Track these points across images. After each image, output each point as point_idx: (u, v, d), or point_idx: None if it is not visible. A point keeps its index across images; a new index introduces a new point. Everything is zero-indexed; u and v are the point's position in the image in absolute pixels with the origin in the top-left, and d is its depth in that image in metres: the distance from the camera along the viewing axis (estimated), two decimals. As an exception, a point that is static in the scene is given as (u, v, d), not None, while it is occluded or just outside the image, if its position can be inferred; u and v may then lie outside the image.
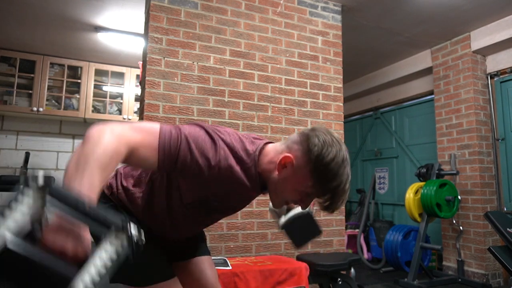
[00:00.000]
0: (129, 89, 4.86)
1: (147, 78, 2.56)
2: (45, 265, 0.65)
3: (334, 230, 3.00)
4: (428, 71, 4.37)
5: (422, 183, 3.75)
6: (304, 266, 2.25)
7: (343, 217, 3.08)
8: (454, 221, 3.81)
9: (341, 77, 3.24)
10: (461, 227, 3.76)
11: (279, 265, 2.20)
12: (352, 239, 4.73)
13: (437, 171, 3.76)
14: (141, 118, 2.63)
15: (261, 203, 2.74)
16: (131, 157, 0.90)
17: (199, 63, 2.73)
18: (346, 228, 4.72)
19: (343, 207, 3.09)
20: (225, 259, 2.22)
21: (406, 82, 4.87)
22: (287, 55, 3.04)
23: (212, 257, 1.48)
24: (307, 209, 1.34)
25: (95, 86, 4.73)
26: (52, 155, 4.77)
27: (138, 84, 4.75)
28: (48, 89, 4.52)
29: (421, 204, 3.62)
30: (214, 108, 2.74)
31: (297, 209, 1.38)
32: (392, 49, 4.31)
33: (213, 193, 1.08)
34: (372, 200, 4.82)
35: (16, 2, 3.30)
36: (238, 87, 2.84)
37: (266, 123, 2.90)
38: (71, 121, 4.86)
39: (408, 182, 4.57)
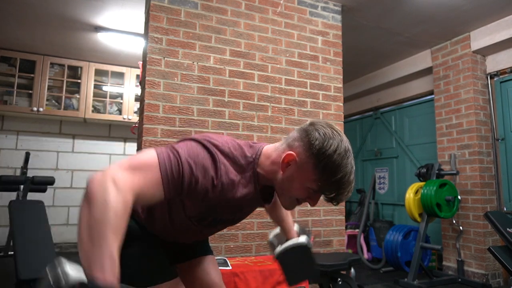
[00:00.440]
0: (129, 89, 4.86)
1: (147, 78, 2.56)
2: None
3: (334, 230, 3.00)
4: (428, 71, 4.37)
5: (422, 183, 3.75)
6: (304, 266, 2.24)
7: (343, 217, 3.08)
8: (454, 221, 3.81)
9: (341, 77, 3.24)
10: (461, 227, 3.76)
11: (279, 265, 2.20)
12: (352, 239, 4.73)
13: (437, 171, 3.76)
14: (141, 118, 2.63)
15: (261, 203, 2.73)
16: (138, 200, 0.89)
17: (199, 63, 2.73)
18: (346, 228, 4.72)
19: (343, 207, 3.08)
20: (225, 259, 2.22)
21: (406, 82, 4.87)
22: (287, 55, 3.04)
23: (212, 257, 1.48)
24: (305, 241, 1.33)
25: (95, 86, 4.74)
26: (52, 155, 4.77)
27: (138, 84, 4.75)
28: (48, 89, 4.52)
29: (421, 204, 3.62)
30: (214, 108, 2.74)
31: (295, 240, 1.34)
32: (392, 49, 4.31)
33: (217, 207, 1.07)
34: (372, 200, 4.82)
35: (16, 2, 3.30)
36: (238, 87, 2.84)
37: (266, 123, 2.90)
38: (71, 121, 4.86)
39: (408, 182, 4.57)
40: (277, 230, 1.42)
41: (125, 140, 5.14)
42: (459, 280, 3.59)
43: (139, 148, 2.64)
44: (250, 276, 2.07)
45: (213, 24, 2.80)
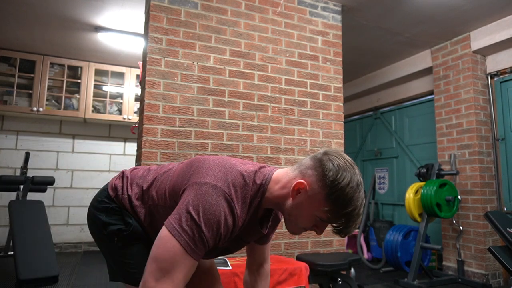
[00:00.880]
0: (129, 89, 4.86)
1: (147, 78, 2.56)
2: None
3: (334, 230, 3.00)
4: (428, 71, 4.38)
5: (422, 183, 3.75)
6: (304, 266, 2.25)
7: (343, 217, 3.08)
8: (454, 221, 3.81)
9: (341, 77, 3.24)
10: (461, 227, 3.76)
11: (279, 265, 2.20)
12: (352, 239, 4.73)
13: (437, 171, 3.77)
14: (141, 118, 2.63)
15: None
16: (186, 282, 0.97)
17: (199, 63, 2.73)
18: (346, 228, 4.71)
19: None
20: (225, 259, 2.22)
21: (406, 82, 4.87)
22: (287, 55, 3.04)
23: (212, 257, 1.48)
24: None
25: (95, 86, 4.74)
26: (52, 155, 4.77)
27: (138, 84, 4.75)
28: (48, 89, 4.53)
29: (421, 204, 3.63)
30: (214, 108, 2.74)
31: None
32: (392, 49, 4.32)
33: (220, 241, 1.09)
34: (372, 200, 4.82)
35: (16, 2, 3.30)
36: (238, 87, 2.84)
37: (266, 123, 2.90)
38: (71, 121, 4.86)
39: (408, 182, 4.57)
40: None
41: (125, 140, 5.14)
42: (459, 280, 3.59)
43: (139, 148, 2.64)
44: (250, 276, 2.07)
45: (213, 24, 2.80)
